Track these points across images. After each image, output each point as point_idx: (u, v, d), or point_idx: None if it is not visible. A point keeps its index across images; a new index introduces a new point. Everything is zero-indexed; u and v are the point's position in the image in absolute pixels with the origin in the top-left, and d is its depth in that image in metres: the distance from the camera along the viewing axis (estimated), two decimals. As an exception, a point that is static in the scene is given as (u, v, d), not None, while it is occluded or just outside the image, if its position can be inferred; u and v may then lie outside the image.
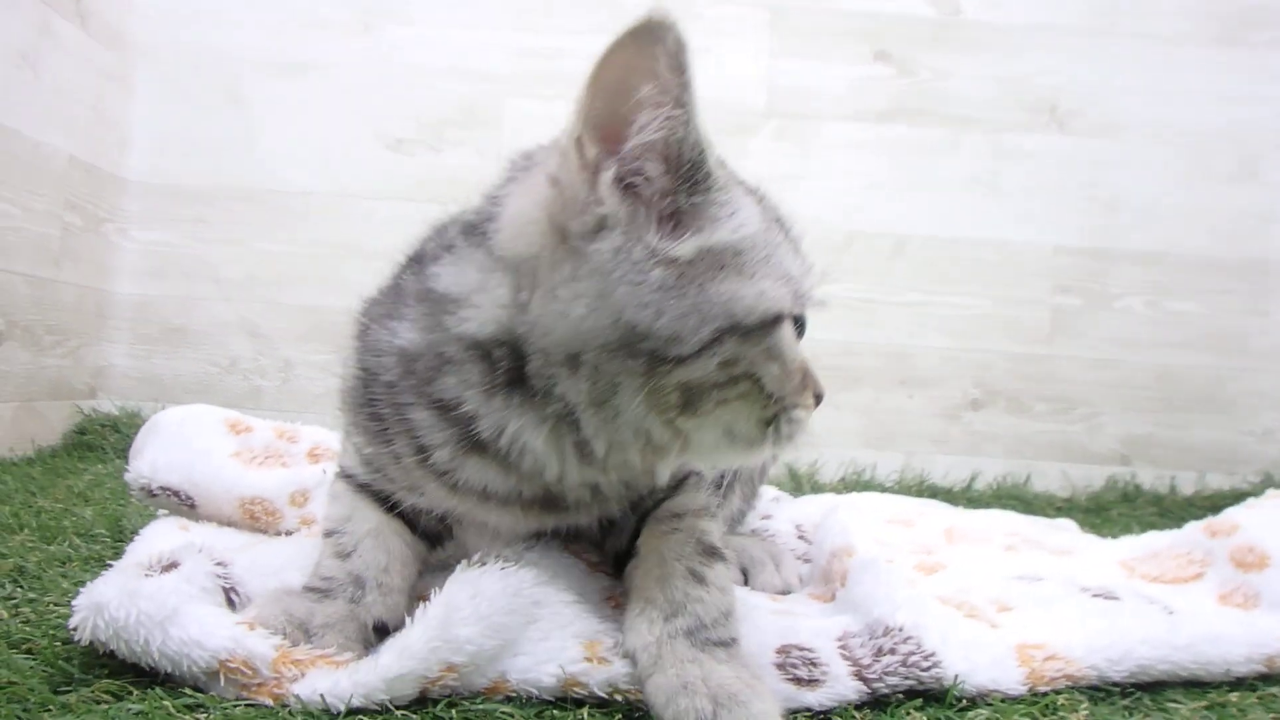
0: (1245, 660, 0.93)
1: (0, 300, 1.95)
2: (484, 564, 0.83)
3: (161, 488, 1.29)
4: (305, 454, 1.41)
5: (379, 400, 0.88)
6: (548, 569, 0.87)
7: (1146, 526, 2.08)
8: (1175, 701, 0.87)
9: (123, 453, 2.14)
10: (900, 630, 0.86)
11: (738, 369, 0.76)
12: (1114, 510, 2.30)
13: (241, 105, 2.43)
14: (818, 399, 0.85)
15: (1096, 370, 2.47)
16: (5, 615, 0.95)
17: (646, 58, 0.71)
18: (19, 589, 1.05)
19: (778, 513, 1.62)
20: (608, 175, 0.73)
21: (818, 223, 2.48)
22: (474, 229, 0.82)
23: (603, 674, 0.78)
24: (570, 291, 0.74)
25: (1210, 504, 2.37)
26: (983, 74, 2.48)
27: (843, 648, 0.86)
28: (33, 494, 1.62)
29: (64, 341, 2.19)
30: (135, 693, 0.76)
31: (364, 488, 0.97)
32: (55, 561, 1.18)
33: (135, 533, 1.26)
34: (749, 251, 0.78)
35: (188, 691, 0.76)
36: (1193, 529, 1.25)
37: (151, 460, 1.30)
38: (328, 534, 0.95)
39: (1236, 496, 1.66)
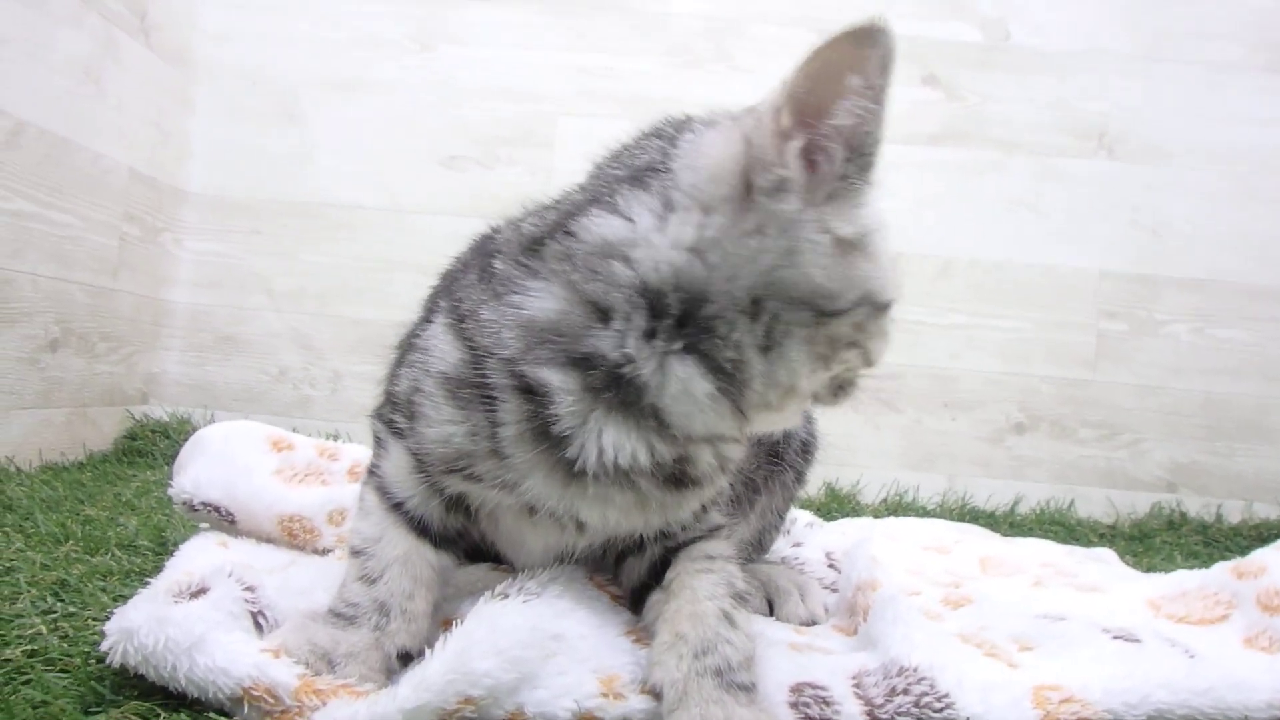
0: (1266, 706, 0.85)
1: (58, 308, 1.85)
2: (505, 596, 0.80)
3: (203, 503, 1.21)
4: (345, 472, 1.33)
5: (489, 378, 0.81)
6: (569, 601, 0.84)
7: (1190, 555, 1.95)
8: None
9: (172, 459, 2.05)
10: (915, 670, 0.82)
11: (858, 335, 0.80)
12: (1158, 538, 2.14)
13: (298, 122, 2.33)
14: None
15: (1142, 396, 2.31)
16: (45, 630, 0.87)
17: (860, 56, 0.75)
18: (60, 603, 0.98)
19: (809, 539, 1.55)
20: (795, 144, 0.76)
21: (863, 244, 2.37)
22: (639, 178, 0.80)
23: (618, 710, 0.75)
24: (759, 243, 0.76)
25: (1256, 534, 2.21)
26: (1030, 98, 2.33)
27: (856, 686, 0.82)
28: (81, 501, 1.51)
29: (118, 349, 2.10)
30: (164, 715, 0.73)
31: (398, 507, 0.90)
32: (97, 575, 1.09)
33: (177, 545, 1.18)
34: (879, 242, 0.80)
35: (213, 716, 0.73)
36: (1220, 570, 1.18)
37: (195, 476, 1.21)
38: (355, 552, 0.89)
39: None
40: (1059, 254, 2.32)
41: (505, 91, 2.34)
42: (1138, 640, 0.98)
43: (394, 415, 0.92)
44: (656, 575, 0.89)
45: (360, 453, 1.36)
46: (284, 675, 0.73)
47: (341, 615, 0.83)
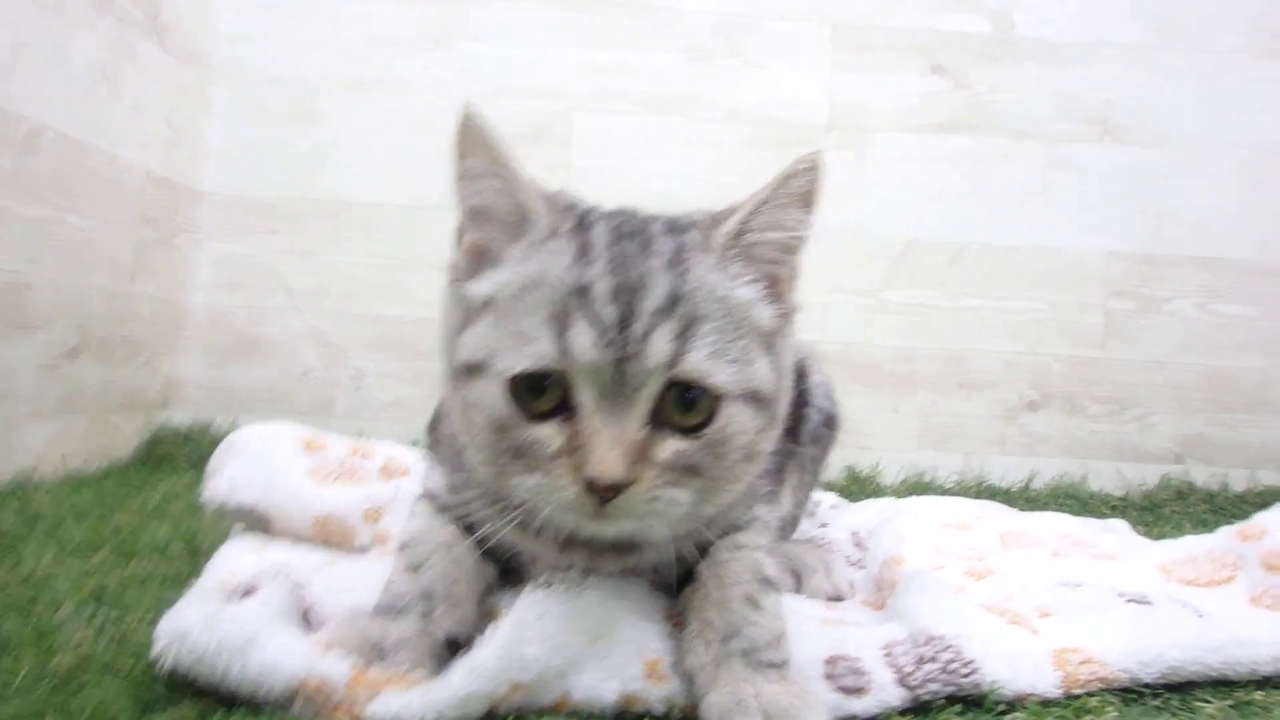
0: (1270, 660, 0.87)
1: (76, 314, 1.74)
2: (550, 584, 0.77)
3: (238, 506, 1.13)
4: (378, 470, 1.25)
5: None
6: (611, 588, 0.81)
7: (1199, 523, 1.90)
8: (1203, 701, 0.83)
9: (196, 464, 1.93)
10: (942, 639, 0.82)
11: None
12: (1167, 508, 2.09)
13: (315, 121, 2.22)
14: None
15: (1149, 372, 2.24)
16: (91, 636, 0.82)
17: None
18: (101, 609, 0.90)
19: (835, 520, 1.53)
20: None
21: (877, 232, 2.28)
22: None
23: (662, 691, 0.73)
24: None
25: (1261, 501, 2.16)
26: (1037, 88, 2.25)
27: (887, 655, 0.81)
28: (109, 509, 1.40)
29: (137, 354, 1.98)
30: (219, 714, 0.69)
31: (446, 509, 0.88)
32: (135, 581, 1.01)
33: (211, 549, 1.10)
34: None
35: (267, 714, 0.68)
36: (1225, 534, 1.18)
37: (230, 479, 1.12)
38: (401, 547, 0.86)
39: None
40: (1067, 237, 2.24)
41: (522, 89, 2.24)
42: (1150, 603, 0.98)
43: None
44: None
45: (391, 450, 1.29)
46: (336, 668, 0.69)
47: (389, 608, 0.78)
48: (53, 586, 0.97)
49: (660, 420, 0.69)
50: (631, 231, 0.75)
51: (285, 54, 2.23)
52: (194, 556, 1.13)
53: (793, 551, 1.15)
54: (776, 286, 0.76)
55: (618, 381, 0.67)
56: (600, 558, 0.80)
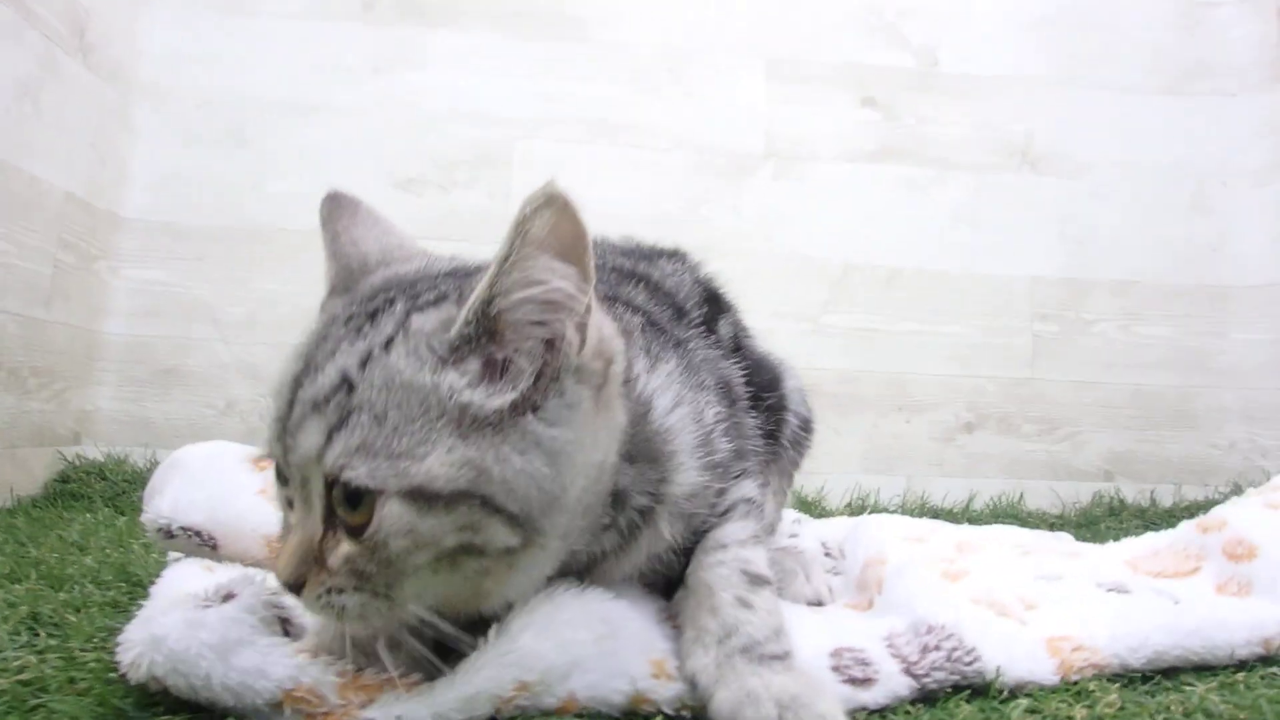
0: (1246, 643, 0.92)
1: (-14, 339, 1.68)
2: (550, 584, 0.77)
3: (182, 528, 1.09)
4: None
5: None
6: (610, 590, 0.80)
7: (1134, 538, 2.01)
8: (1189, 684, 0.86)
9: (112, 499, 1.88)
10: (943, 628, 0.84)
11: None
12: (1102, 524, 2.20)
13: (248, 145, 2.21)
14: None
15: (1077, 391, 2.38)
16: (34, 661, 0.79)
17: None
18: (38, 636, 0.87)
19: (802, 532, 1.56)
20: None
21: (816, 257, 2.39)
22: None
23: (671, 690, 0.73)
24: None
25: (1188, 513, 2.27)
26: (960, 119, 2.42)
27: (890, 646, 0.82)
28: (23, 544, 1.35)
29: (49, 384, 1.91)
30: None
31: None
32: (70, 608, 0.97)
33: (149, 579, 1.08)
34: None
35: None
36: (1186, 527, 1.25)
37: (174, 499, 1.09)
38: None
39: (1210, 506, 1.62)
40: (994, 263, 2.38)
41: (463, 116, 2.28)
42: (1129, 591, 1.03)
43: None
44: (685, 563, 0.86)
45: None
46: (326, 674, 0.68)
47: None
48: (-21, 614, 0.93)
49: (336, 520, 0.65)
50: (372, 309, 0.70)
51: (217, 76, 2.22)
52: (131, 585, 1.10)
53: (772, 557, 1.17)
54: (551, 354, 0.67)
55: (294, 477, 0.66)
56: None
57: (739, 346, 1.12)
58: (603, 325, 0.71)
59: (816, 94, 2.39)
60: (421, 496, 0.63)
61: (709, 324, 1.07)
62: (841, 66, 2.40)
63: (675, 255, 1.15)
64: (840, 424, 2.29)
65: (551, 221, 0.63)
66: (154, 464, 2.01)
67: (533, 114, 2.30)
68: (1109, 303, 2.41)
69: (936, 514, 2.12)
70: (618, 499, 0.76)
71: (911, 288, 2.36)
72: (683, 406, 0.81)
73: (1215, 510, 1.24)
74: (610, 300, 0.91)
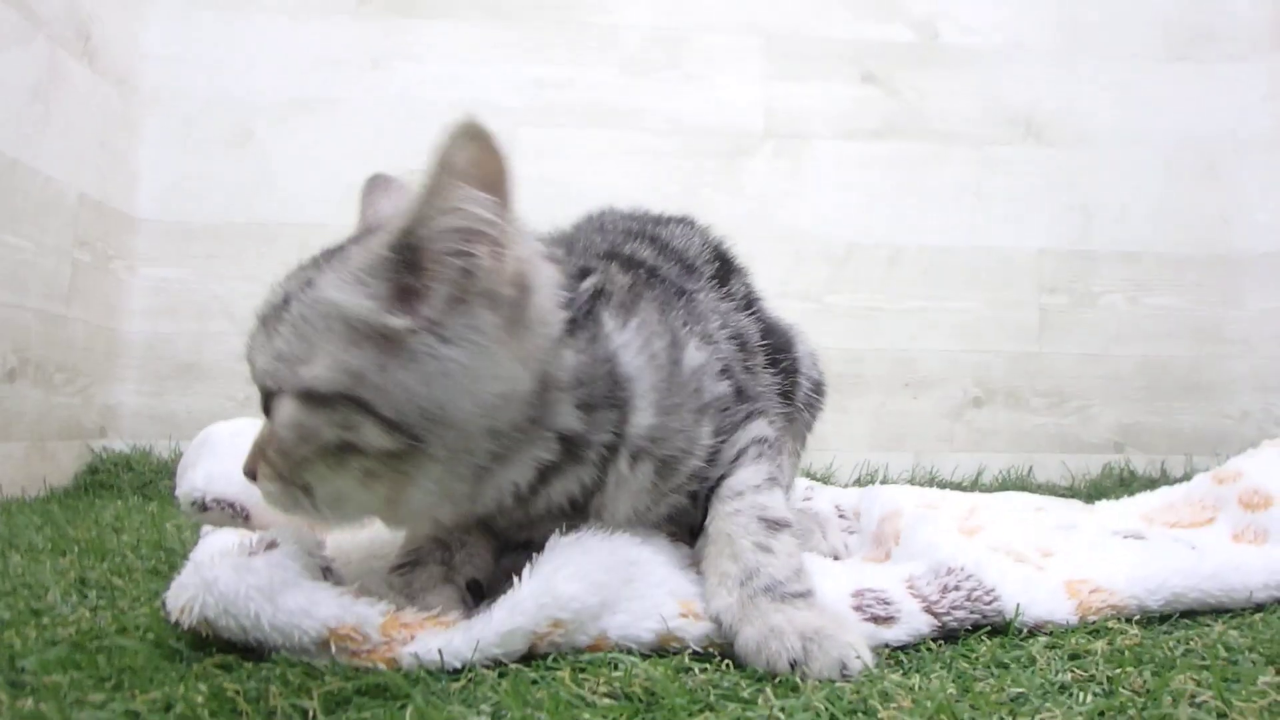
0: (1263, 586, 0.95)
1: (13, 336, 1.76)
2: (578, 530, 0.81)
3: (215, 500, 1.15)
4: None
5: None
6: (637, 534, 0.85)
7: None
8: (1207, 625, 0.89)
9: (140, 489, 1.97)
10: (962, 569, 0.87)
11: None
12: (1112, 496, 2.22)
13: (252, 143, 2.28)
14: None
15: (1086, 364, 2.43)
16: (88, 615, 0.85)
17: None
18: (87, 598, 0.93)
19: (816, 496, 1.60)
20: None
21: (818, 236, 2.45)
22: None
23: (699, 629, 0.76)
24: None
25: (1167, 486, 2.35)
26: (962, 92, 2.46)
27: (910, 588, 0.85)
28: (61, 526, 1.43)
29: (74, 380, 2.00)
30: (248, 666, 0.69)
31: None
32: (115, 574, 1.05)
33: (185, 549, 1.16)
34: None
35: (299, 661, 0.70)
36: (1202, 479, 1.30)
37: (206, 472, 1.15)
38: None
39: None
40: (1000, 236, 2.44)
41: (463, 105, 2.31)
42: (1145, 538, 1.07)
43: None
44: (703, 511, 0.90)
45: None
46: (369, 612, 0.72)
47: (407, 562, 0.84)
48: (30, 580, 1.00)
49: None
50: (336, 246, 0.81)
51: (219, 77, 2.30)
52: (169, 555, 1.18)
53: None
54: (466, 279, 0.71)
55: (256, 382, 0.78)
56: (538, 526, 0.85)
57: (751, 307, 1.16)
58: (527, 258, 0.75)
59: (815, 71, 2.44)
60: (308, 396, 0.72)
61: (721, 280, 1.12)
62: (840, 42, 2.45)
63: (684, 220, 1.20)
64: (847, 403, 2.35)
65: (470, 153, 0.69)
66: (179, 455, 2.09)
67: (529, 100, 2.37)
68: (1117, 274, 2.45)
69: (945, 488, 2.18)
70: (568, 442, 0.79)
71: (916, 265, 2.42)
72: (648, 352, 0.84)
73: (1231, 461, 1.29)
74: (611, 255, 0.97)
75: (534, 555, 0.78)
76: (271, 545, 0.78)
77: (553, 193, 2.29)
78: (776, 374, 1.10)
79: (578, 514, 0.85)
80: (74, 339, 1.99)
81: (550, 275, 0.78)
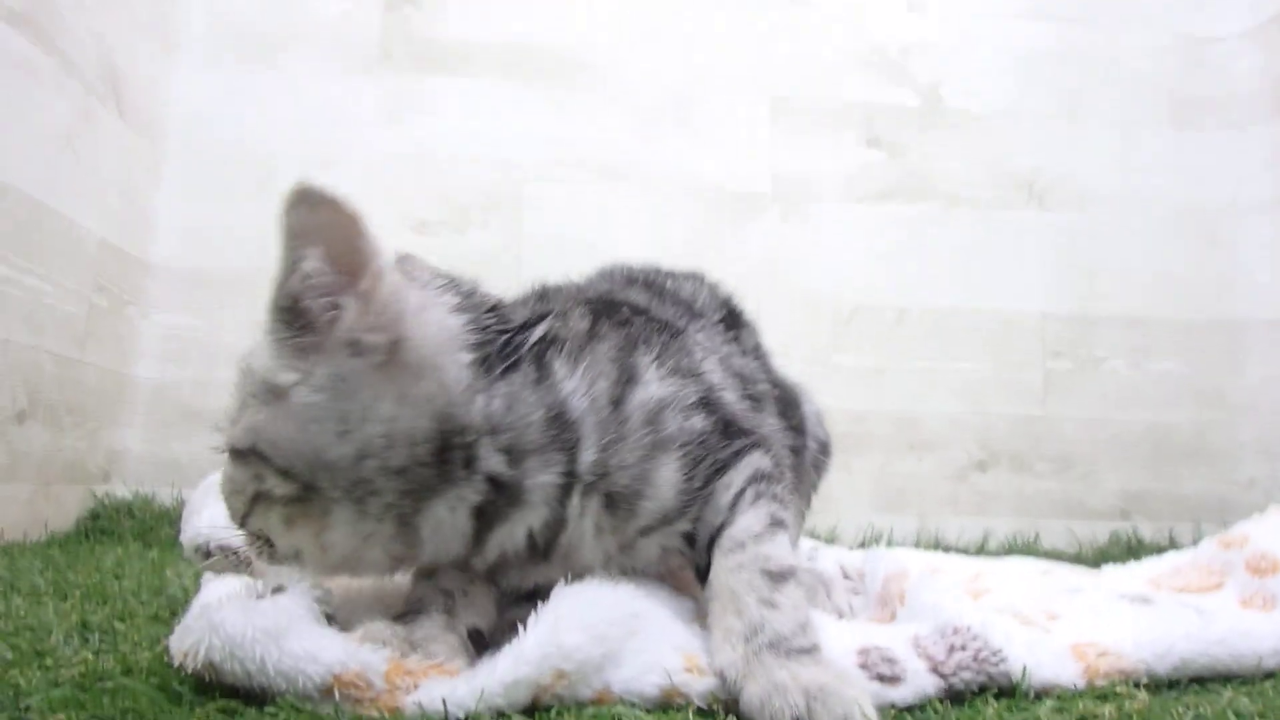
0: (1273, 652, 0.94)
1: (27, 377, 1.78)
2: (581, 579, 0.82)
3: (219, 546, 1.16)
4: None
5: None
6: (640, 586, 0.85)
7: None
8: (1215, 691, 0.88)
9: (140, 536, 1.97)
10: (968, 630, 0.86)
11: None
12: (1119, 563, 2.24)
13: (270, 194, 2.29)
14: None
15: (1090, 429, 2.44)
16: (91, 658, 0.85)
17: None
18: (89, 641, 0.94)
19: (820, 556, 1.59)
20: None
21: (825, 296, 2.48)
22: None
23: (703, 684, 0.76)
24: None
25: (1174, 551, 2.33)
26: (966, 156, 2.52)
27: (917, 647, 0.85)
28: (62, 571, 1.44)
29: (83, 423, 2.02)
30: (251, 711, 0.70)
31: None
32: (118, 618, 1.05)
33: (188, 595, 1.15)
34: None
35: (302, 707, 0.70)
36: (1208, 544, 1.29)
37: (212, 518, 1.16)
38: (416, 571, 0.92)
39: None
40: (1004, 299, 2.47)
41: (475, 159, 2.41)
42: (1152, 602, 1.07)
43: None
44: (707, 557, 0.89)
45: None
46: (373, 658, 0.73)
47: (409, 611, 0.85)
48: (33, 622, 1.01)
49: None
50: None
51: (241, 128, 2.38)
52: (170, 602, 1.18)
53: None
54: (331, 331, 0.77)
55: None
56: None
57: (759, 362, 1.17)
58: (396, 308, 0.78)
59: (821, 133, 2.51)
60: (234, 452, 0.82)
61: (730, 327, 1.14)
62: (846, 105, 2.52)
63: (694, 275, 1.22)
64: (851, 463, 2.35)
65: (304, 214, 0.76)
66: (180, 502, 2.10)
67: (541, 157, 2.43)
68: (1120, 338, 2.48)
69: (950, 552, 2.16)
70: (499, 485, 0.81)
71: (920, 326, 2.45)
72: (593, 394, 0.85)
73: (1237, 526, 1.28)
74: (600, 301, 0.98)
75: (539, 604, 0.78)
76: (279, 590, 0.79)
77: (562, 247, 2.36)
78: (786, 430, 1.11)
79: (545, 557, 0.86)
80: (85, 382, 2.01)
81: (439, 323, 0.81)
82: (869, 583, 1.26)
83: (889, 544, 2.24)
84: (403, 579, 0.94)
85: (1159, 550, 2.31)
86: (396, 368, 0.78)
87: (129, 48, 2.13)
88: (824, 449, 1.28)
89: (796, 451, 1.18)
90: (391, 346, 0.77)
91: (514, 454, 0.81)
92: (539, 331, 0.87)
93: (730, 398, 0.95)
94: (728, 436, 0.90)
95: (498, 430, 0.81)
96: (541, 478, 0.82)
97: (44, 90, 1.81)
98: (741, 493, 0.87)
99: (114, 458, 2.17)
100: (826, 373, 2.40)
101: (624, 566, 0.89)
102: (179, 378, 2.25)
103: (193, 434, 2.23)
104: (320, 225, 0.76)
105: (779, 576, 0.81)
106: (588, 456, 0.83)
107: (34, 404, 1.81)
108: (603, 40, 2.49)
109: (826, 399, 2.39)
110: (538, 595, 0.84)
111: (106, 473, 2.14)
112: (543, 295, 1.00)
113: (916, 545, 2.24)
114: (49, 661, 0.84)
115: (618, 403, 0.85)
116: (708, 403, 0.90)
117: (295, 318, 0.78)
